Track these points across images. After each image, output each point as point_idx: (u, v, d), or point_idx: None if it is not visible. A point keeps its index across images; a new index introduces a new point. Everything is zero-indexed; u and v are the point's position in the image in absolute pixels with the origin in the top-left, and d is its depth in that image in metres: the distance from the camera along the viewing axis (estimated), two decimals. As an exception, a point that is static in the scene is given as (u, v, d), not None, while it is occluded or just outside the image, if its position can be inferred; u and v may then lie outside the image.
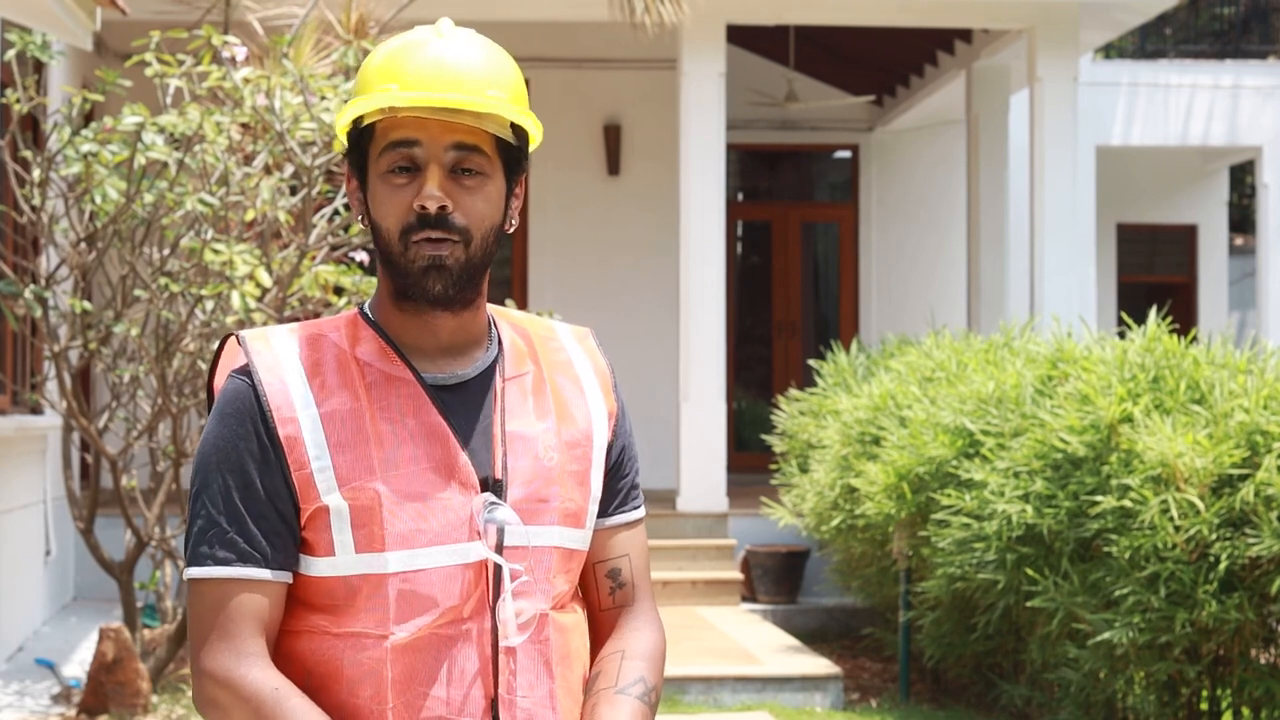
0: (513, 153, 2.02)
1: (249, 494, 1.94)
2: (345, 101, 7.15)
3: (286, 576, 1.96)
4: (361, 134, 2.00)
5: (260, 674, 1.92)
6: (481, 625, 1.96)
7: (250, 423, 1.95)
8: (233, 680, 1.91)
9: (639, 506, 2.17)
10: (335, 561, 1.94)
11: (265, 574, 1.94)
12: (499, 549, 1.97)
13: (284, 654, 1.97)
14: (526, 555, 1.99)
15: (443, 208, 1.95)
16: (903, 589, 8.31)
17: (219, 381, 2.03)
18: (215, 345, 7.32)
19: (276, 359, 1.99)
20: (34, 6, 6.92)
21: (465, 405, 2.01)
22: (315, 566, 1.96)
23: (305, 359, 1.99)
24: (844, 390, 9.63)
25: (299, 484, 1.94)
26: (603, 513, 2.11)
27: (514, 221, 2.04)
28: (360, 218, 2.04)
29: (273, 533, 1.94)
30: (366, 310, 2.05)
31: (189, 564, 1.96)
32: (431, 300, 1.97)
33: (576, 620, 2.08)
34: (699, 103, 11.14)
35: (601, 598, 2.13)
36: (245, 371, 1.98)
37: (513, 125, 2.01)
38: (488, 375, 2.04)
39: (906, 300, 14.65)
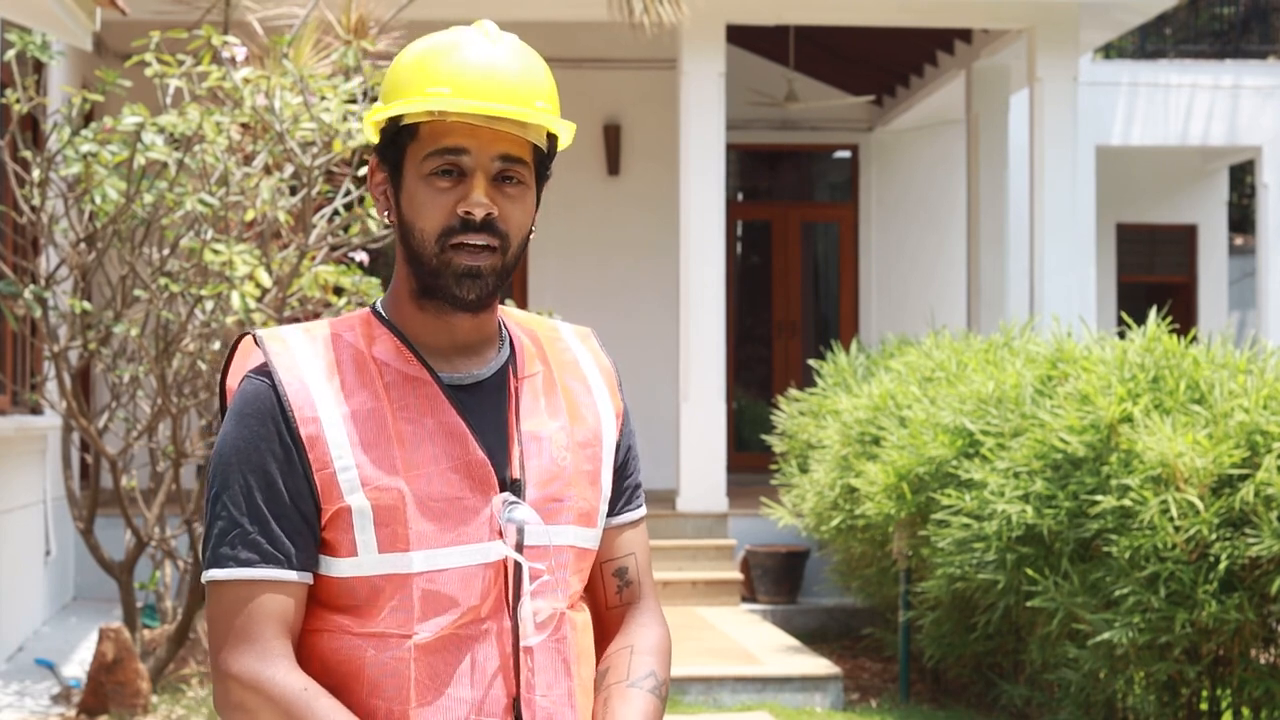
0: (542, 160, 2.03)
1: (271, 494, 1.93)
2: (347, 101, 7.17)
3: (309, 577, 1.95)
4: (400, 130, 1.99)
5: (286, 675, 1.90)
6: (501, 625, 1.97)
7: (271, 423, 1.94)
8: (260, 682, 1.90)
9: (641, 505, 2.18)
10: (359, 561, 1.94)
11: (289, 575, 1.93)
12: (518, 548, 1.97)
13: (305, 652, 1.96)
14: (548, 555, 1.99)
15: (489, 214, 1.95)
16: (903, 589, 8.31)
17: (232, 382, 2.02)
18: (215, 345, 7.36)
19: (294, 359, 1.98)
20: (34, 6, 6.92)
21: (481, 405, 2.01)
22: (337, 567, 1.95)
23: (323, 359, 1.99)
24: (844, 390, 9.63)
25: (321, 484, 1.93)
26: (609, 512, 2.11)
27: (534, 228, 2.05)
28: (385, 213, 2.04)
29: (295, 533, 1.93)
30: (379, 309, 2.05)
31: (209, 566, 1.94)
32: (464, 306, 1.98)
33: (586, 619, 2.09)
34: (699, 103, 11.13)
35: (609, 596, 2.14)
36: (264, 371, 1.97)
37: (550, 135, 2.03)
38: (501, 375, 2.04)
39: (906, 300, 14.66)
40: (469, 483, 1.96)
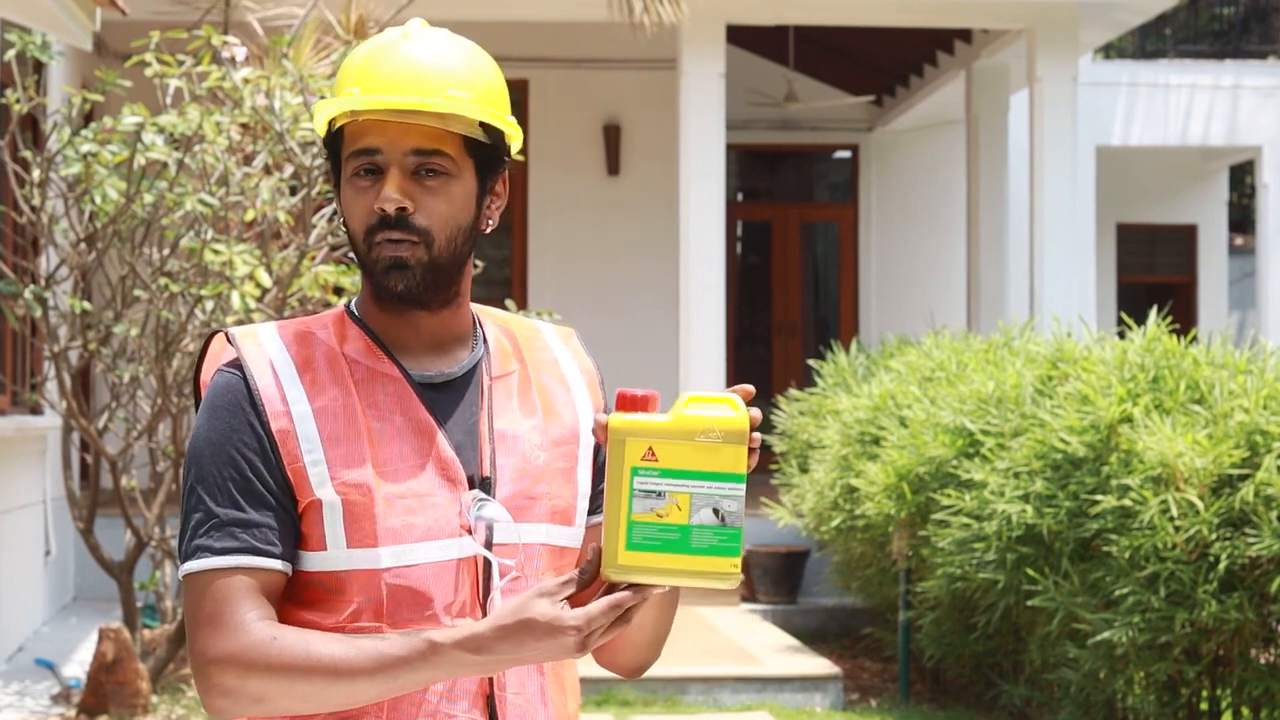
0: (486, 151, 2.02)
1: (246, 485, 1.93)
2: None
3: (288, 567, 1.94)
4: (334, 137, 2.03)
5: (259, 634, 1.88)
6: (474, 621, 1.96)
7: (243, 415, 1.94)
8: (234, 654, 1.87)
9: None
10: (326, 556, 1.94)
11: (265, 563, 1.92)
12: (488, 545, 1.97)
13: None
14: (517, 552, 1.99)
15: (401, 209, 1.96)
16: (903, 589, 8.31)
17: (205, 378, 2.03)
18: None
19: (266, 354, 1.99)
20: (34, 6, 6.92)
21: (451, 403, 2.02)
22: (305, 560, 1.95)
23: (295, 355, 1.99)
24: (844, 390, 9.62)
25: (293, 477, 1.93)
26: (593, 510, 2.11)
27: (492, 221, 2.06)
28: (341, 218, 2.06)
29: (271, 523, 1.93)
30: (352, 308, 2.06)
31: (186, 558, 1.93)
32: (397, 298, 1.99)
33: None
34: (699, 103, 11.13)
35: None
36: (235, 365, 1.98)
37: (489, 124, 2.01)
38: (473, 374, 2.05)
39: (906, 300, 14.65)
40: (438, 479, 1.97)
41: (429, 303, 2.00)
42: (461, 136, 1.99)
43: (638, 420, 1.85)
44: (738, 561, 1.85)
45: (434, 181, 1.98)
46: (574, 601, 1.86)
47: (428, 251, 1.97)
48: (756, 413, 1.86)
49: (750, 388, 1.88)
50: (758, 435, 1.86)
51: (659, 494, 1.84)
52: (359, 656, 1.86)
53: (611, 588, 1.86)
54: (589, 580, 1.86)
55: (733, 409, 1.85)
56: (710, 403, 1.85)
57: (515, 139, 2.06)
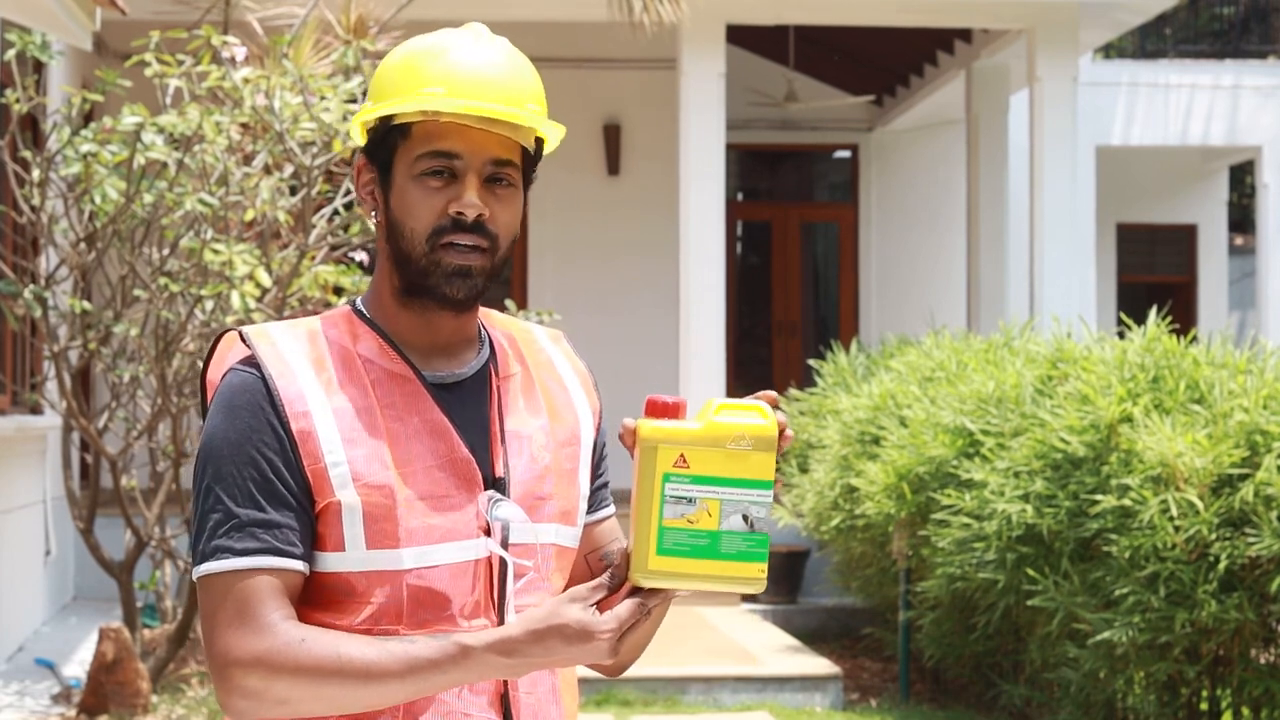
0: (529, 163, 2.05)
1: (266, 485, 1.90)
2: (347, 101, 7.18)
3: (306, 568, 1.92)
4: (390, 130, 2.00)
5: (286, 635, 1.86)
6: (490, 621, 1.96)
7: (262, 414, 1.92)
8: (260, 656, 1.86)
9: (612, 504, 2.20)
10: (345, 557, 1.92)
11: (288, 564, 1.90)
12: (504, 545, 1.97)
13: None
14: (534, 552, 1.99)
15: (480, 215, 1.96)
16: (903, 589, 8.31)
17: (214, 376, 2.00)
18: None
19: (281, 354, 1.96)
20: (34, 6, 6.92)
21: (463, 404, 2.01)
22: (322, 561, 1.93)
23: (310, 355, 1.98)
24: (844, 390, 9.63)
25: (312, 478, 1.92)
26: (588, 509, 2.12)
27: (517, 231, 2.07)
28: (372, 213, 2.04)
29: (291, 524, 1.91)
30: (360, 307, 2.05)
31: (204, 559, 1.90)
32: (452, 305, 1.98)
33: None
34: (699, 103, 11.13)
35: (594, 575, 2.13)
36: (251, 364, 1.95)
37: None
38: (482, 375, 2.04)
39: (906, 300, 14.65)
40: (454, 480, 1.96)
41: (469, 308, 2.00)
42: (522, 148, 2.01)
43: (671, 428, 1.87)
44: (764, 566, 1.87)
45: (504, 191, 1.99)
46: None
47: (490, 260, 1.98)
48: (783, 418, 1.89)
49: (774, 394, 1.90)
50: (789, 435, 1.88)
51: (690, 500, 1.85)
52: (389, 659, 1.85)
53: (637, 591, 1.87)
54: (618, 585, 1.88)
55: (762, 416, 1.87)
56: (740, 410, 1.87)
57: (548, 150, 2.09)
